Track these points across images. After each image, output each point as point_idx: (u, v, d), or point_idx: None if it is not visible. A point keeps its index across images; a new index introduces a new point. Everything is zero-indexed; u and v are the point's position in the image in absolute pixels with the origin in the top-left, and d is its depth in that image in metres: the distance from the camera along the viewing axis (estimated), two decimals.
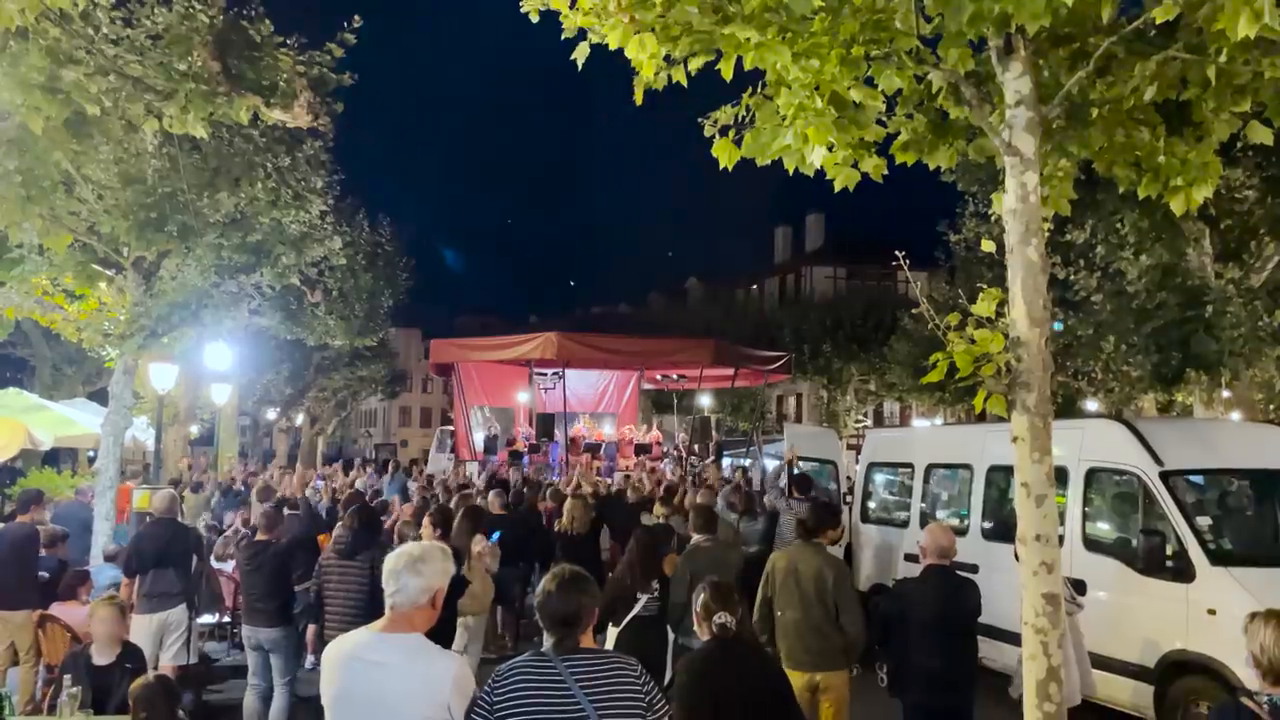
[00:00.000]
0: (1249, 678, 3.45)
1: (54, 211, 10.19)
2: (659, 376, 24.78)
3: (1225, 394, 12.65)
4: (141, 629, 7.24)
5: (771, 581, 6.14)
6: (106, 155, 10.19)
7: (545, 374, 21.55)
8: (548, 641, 3.06)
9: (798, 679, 5.69)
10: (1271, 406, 16.41)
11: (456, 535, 7.40)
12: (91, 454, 17.47)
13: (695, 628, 3.99)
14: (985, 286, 4.37)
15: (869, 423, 41.35)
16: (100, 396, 18.49)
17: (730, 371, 21.54)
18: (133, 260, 11.55)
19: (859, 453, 12.86)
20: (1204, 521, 7.61)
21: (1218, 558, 7.14)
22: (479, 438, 21.80)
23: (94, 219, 10.68)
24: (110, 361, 12.05)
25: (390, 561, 3.14)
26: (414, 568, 3.10)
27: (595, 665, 2.99)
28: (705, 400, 35.64)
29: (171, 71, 7.78)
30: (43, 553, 8.64)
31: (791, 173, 4.86)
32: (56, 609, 7.62)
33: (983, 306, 4.35)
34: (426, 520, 7.50)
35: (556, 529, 9.97)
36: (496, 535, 8.22)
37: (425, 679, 2.99)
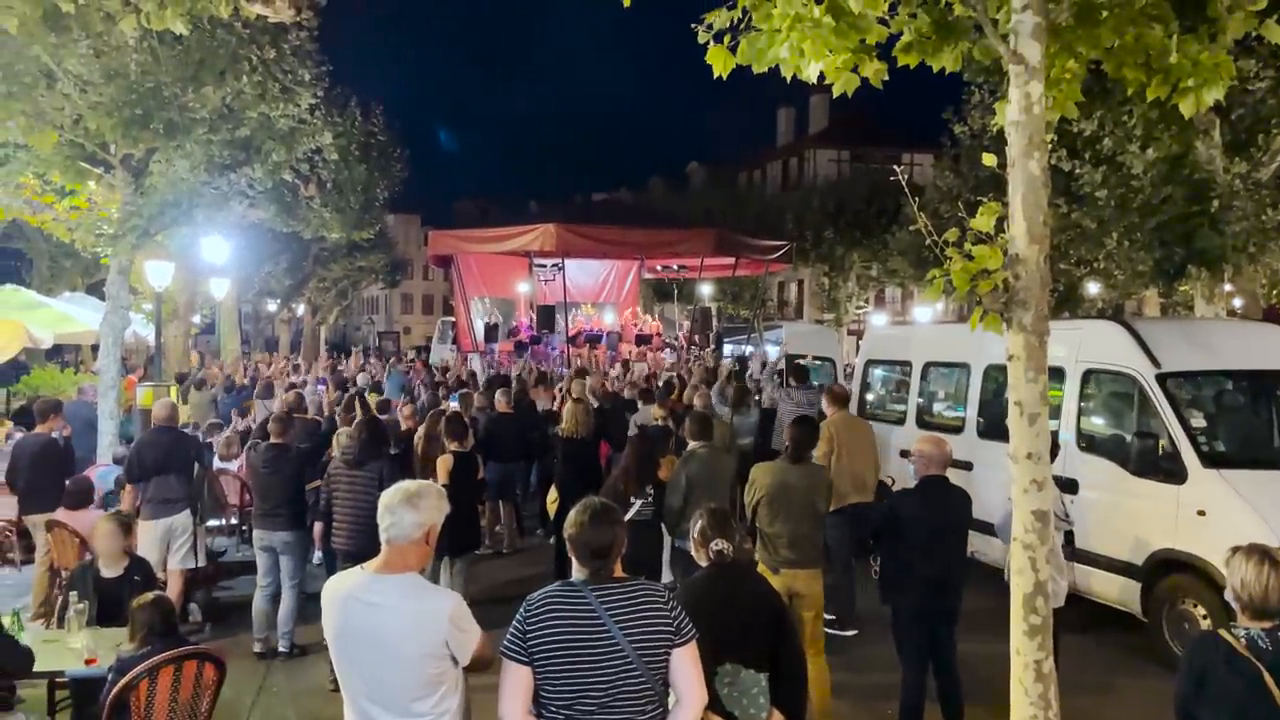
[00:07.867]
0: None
1: (38, 107, 9.96)
2: (659, 266, 24.57)
3: (1227, 287, 12.53)
4: (147, 535, 7.37)
5: (758, 496, 6.17)
6: (86, 49, 9.90)
7: (545, 265, 21.37)
8: (579, 572, 3.09)
9: (775, 584, 5.79)
10: (1275, 293, 16.19)
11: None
12: (96, 346, 17.48)
13: (693, 553, 4.03)
14: (988, 177, 4.26)
15: (870, 309, 41.28)
16: (100, 289, 18.41)
17: (731, 260, 21.35)
18: (121, 158, 11.34)
19: (860, 339, 12.81)
20: (1198, 424, 7.65)
21: (1210, 460, 7.19)
22: (480, 328, 21.74)
23: (78, 114, 10.43)
24: (106, 259, 11.94)
25: (386, 497, 3.17)
26: (410, 503, 3.13)
27: (624, 594, 3.03)
28: (706, 289, 35.55)
29: None
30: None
31: (789, 80, 4.71)
32: (64, 515, 7.74)
33: (982, 221, 4.26)
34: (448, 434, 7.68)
35: (556, 431, 9.99)
36: None
37: (421, 618, 3.06)
